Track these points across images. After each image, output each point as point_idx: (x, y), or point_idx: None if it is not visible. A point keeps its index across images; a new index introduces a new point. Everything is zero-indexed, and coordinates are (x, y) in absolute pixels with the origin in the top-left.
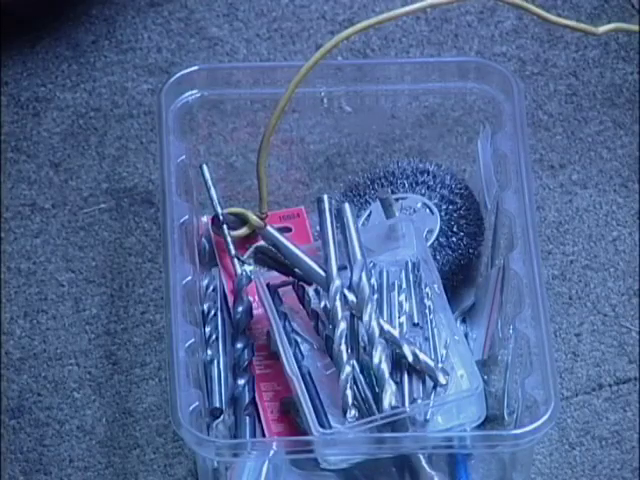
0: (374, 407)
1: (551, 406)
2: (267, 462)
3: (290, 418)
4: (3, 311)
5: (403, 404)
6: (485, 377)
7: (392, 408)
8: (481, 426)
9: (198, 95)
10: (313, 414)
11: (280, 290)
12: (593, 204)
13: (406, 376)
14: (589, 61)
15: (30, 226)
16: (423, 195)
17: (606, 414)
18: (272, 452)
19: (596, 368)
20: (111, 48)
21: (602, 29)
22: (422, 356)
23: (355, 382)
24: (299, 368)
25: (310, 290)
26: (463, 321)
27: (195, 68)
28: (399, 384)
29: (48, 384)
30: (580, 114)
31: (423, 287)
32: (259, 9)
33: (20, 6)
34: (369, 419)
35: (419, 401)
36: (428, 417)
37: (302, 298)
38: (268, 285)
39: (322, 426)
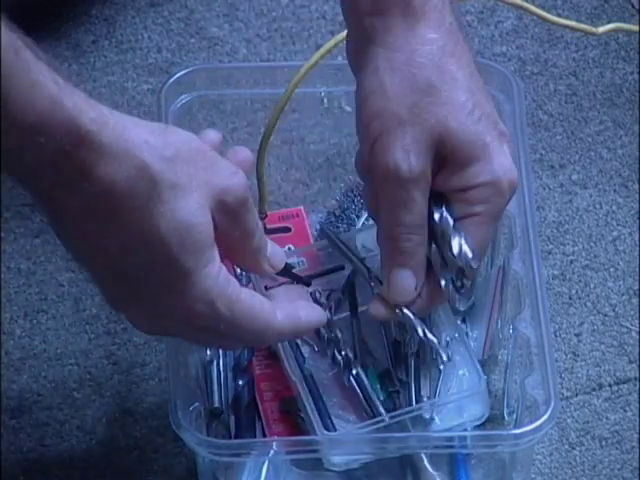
0: (379, 408)
1: (551, 406)
2: (267, 462)
3: (290, 418)
4: (3, 311)
5: (409, 403)
6: (485, 377)
7: (395, 409)
8: (481, 426)
9: (198, 95)
10: (317, 416)
11: None
12: (593, 204)
13: (412, 375)
14: (589, 61)
15: (30, 226)
16: None
17: (606, 414)
18: (272, 452)
19: (596, 368)
20: (111, 48)
21: (602, 29)
22: (430, 335)
23: (358, 383)
24: (301, 371)
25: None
26: (463, 321)
27: (195, 68)
28: (404, 383)
29: (48, 384)
30: (580, 114)
31: None
32: (259, 9)
33: (20, 6)
34: (374, 420)
35: (425, 399)
36: (434, 416)
37: None
38: (266, 287)
39: (327, 429)
